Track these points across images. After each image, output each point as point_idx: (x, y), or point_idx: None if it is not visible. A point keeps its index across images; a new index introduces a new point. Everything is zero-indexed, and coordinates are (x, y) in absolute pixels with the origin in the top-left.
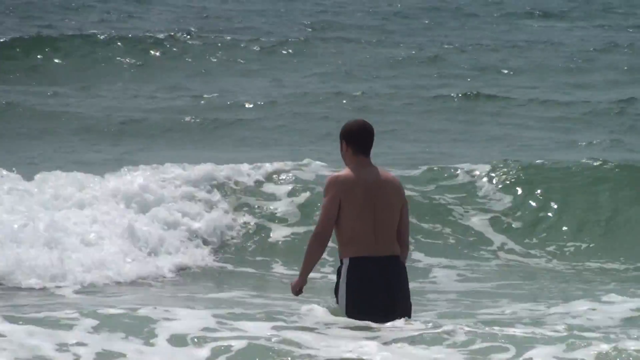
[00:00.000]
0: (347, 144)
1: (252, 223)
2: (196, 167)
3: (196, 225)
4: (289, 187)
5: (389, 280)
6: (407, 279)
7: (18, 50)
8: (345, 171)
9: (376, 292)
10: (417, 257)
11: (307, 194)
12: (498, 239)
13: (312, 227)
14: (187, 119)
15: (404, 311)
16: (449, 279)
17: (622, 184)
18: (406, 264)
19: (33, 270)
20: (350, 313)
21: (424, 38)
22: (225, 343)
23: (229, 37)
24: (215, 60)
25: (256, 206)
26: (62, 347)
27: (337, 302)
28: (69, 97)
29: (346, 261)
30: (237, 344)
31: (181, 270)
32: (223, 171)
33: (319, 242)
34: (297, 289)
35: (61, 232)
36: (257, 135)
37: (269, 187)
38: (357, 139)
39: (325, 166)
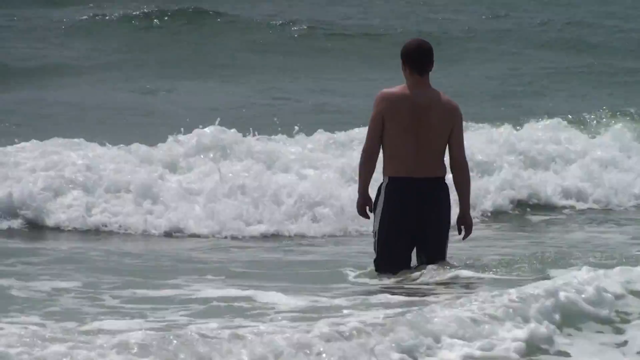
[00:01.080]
0: (405, 63)
1: None
2: None
3: None
4: None
5: (425, 203)
6: (447, 204)
7: None
8: (396, 88)
9: (408, 214)
10: None
11: None
12: None
13: None
14: None
15: (437, 239)
16: None
17: None
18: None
19: None
20: (381, 230)
21: None
22: None
23: None
24: None
25: None
26: None
27: (374, 217)
28: None
29: (385, 179)
30: None
31: None
32: None
33: (365, 158)
34: (362, 208)
35: None
36: None
37: None
38: (413, 58)
39: None
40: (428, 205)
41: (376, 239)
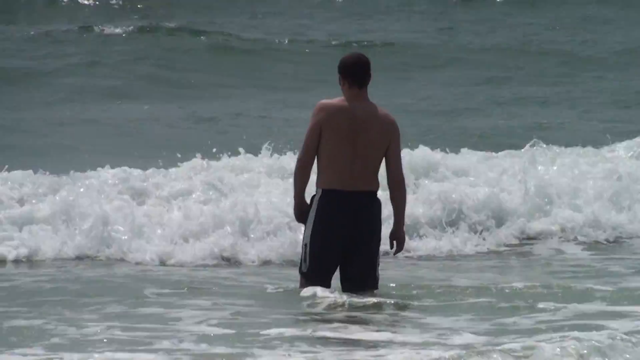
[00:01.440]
0: (343, 77)
1: None
2: None
3: None
4: None
5: (357, 218)
6: (380, 218)
7: None
8: (335, 99)
9: (340, 227)
10: None
11: None
12: None
13: None
14: None
15: (369, 254)
16: None
17: None
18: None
19: None
20: (313, 243)
21: None
22: None
23: None
24: None
25: None
26: None
27: (305, 229)
28: None
29: (319, 191)
30: None
31: None
32: None
33: (300, 167)
34: (300, 213)
35: None
36: None
37: None
38: (352, 72)
39: None
40: (361, 219)
41: (307, 250)
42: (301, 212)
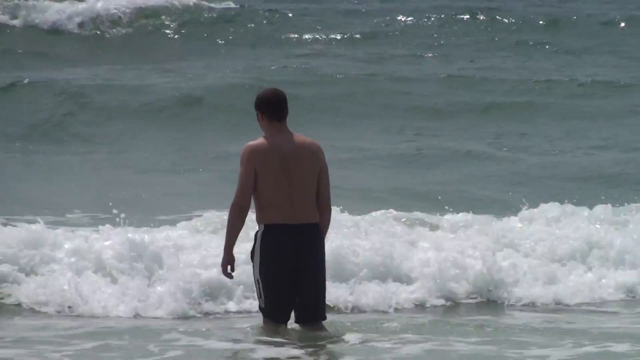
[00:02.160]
0: (262, 112)
1: None
2: None
3: None
4: None
5: (302, 249)
6: (322, 249)
7: None
8: (259, 140)
9: (287, 260)
10: None
11: None
12: None
13: None
14: None
15: (317, 283)
16: None
17: None
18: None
19: None
20: (263, 277)
21: None
22: None
23: None
24: None
25: None
26: None
27: (253, 266)
28: None
29: (261, 227)
30: None
31: None
32: None
33: (237, 212)
34: (225, 267)
35: None
36: None
37: None
38: (270, 107)
39: None
40: (306, 251)
41: (260, 286)
42: (228, 265)
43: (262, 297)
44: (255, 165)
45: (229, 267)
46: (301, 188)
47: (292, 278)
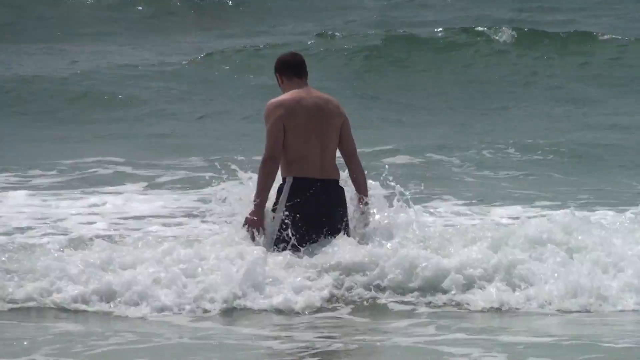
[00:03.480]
0: (282, 74)
1: None
2: None
3: None
4: None
5: (330, 203)
6: (345, 205)
7: None
8: (284, 95)
9: (317, 209)
10: None
11: None
12: None
13: None
14: None
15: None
16: None
17: None
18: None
19: None
20: (293, 225)
21: None
22: None
23: None
24: None
25: None
26: None
27: (273, 219)
28: None
29: (289, 179)
30: None
31: None
32: None
33: (269, 166)
34: (257, 222)
35: None
36: None
37: None
38: (290, 65)
39: None
40: (333, 206)
41: (290, 230)
42: (260, 222)
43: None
44: (282, 119)
45: (260, 230)
46: (327, 142)
47: (317, 231)
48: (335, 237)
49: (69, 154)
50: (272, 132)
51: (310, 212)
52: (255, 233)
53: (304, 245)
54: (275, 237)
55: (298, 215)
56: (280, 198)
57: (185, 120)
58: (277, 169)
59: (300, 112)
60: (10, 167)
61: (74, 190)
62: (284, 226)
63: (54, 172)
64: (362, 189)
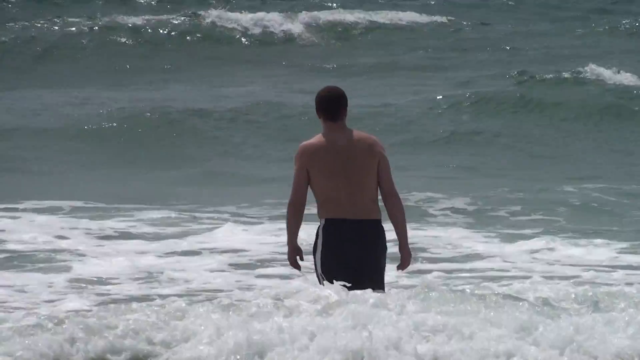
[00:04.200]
0: (317, 111)
1: None
2: None
3: None
4: None
5: (360, 243)
6: (383, 246)
7: None
8: (313, 138)
9: (347, 254)
10: None
11: None
12: None
13: None
14: None
15: (374, 282)
16: None
17: None
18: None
19: None
20: (324, 270)
21: None
22: None
23: None
24: None
25: None
26: None
27: (315, 260)
28: None
29: (322, 221)
30: None
31: None
32: None
33: (292, 211)
34: (292, 258)
35: None
36: None
37: None
38: (324, 107)
39: None
40: (364, 247)
41: (322, 281)
42: (295, 256)
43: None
44: (305, 165)
45: (297, 258)
46: (358, 183)
47: (351, 273)
48: (367, 279)
49: None
50: (295, 179)
51: (338, 252)
52: (298, 261)
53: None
54: (319, 279)
55: (329, 256)
56: (317, 241)
57: None
58: (299, 212)
59: (325, 156)
60: None
61: None
62: (317, 267)
63: None
64: (397, 230)
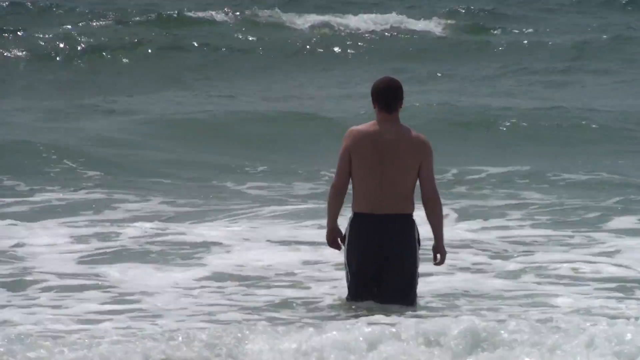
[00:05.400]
0: (373, 101)
1: None
2: None
3: None
4: None
5: (386, 239)
6: (412, 240)
7: None
8: (363, 125)
9: (370, 249)
10: None
11: None
12: None
13: None
14: None
15: (402, 275)
16: None
17: None
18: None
19: None
20: (350, 262)
21: None
22: None
23: None
24: None
25: None
26: None
27: (344, 249)
28: None
29: (352, 214)
30: None
31: None
32: None
33: (333, 194)
34: (331, 239)
35: None
36: None
37: None
38: (381, 97)
39: None
40: (391, 241)
41: (347, 270)
42: (334, 238)
43: (348, 280)
44: (349, 149)
45: (338, 240)
46: (394, 179)
47: (376, 268)
48: (392, 274)
49: None
50: (339, 161)
51: (362, 246)
52: (339, 242)
53: (361, 278)
54: (345, 264)
55: (352, 250)
56: (346, 232)
57: None
58: (340, 196)
59: (367, 146)
60: None
61: None
62: (345, 260)
63: None
64: (434, 234)
